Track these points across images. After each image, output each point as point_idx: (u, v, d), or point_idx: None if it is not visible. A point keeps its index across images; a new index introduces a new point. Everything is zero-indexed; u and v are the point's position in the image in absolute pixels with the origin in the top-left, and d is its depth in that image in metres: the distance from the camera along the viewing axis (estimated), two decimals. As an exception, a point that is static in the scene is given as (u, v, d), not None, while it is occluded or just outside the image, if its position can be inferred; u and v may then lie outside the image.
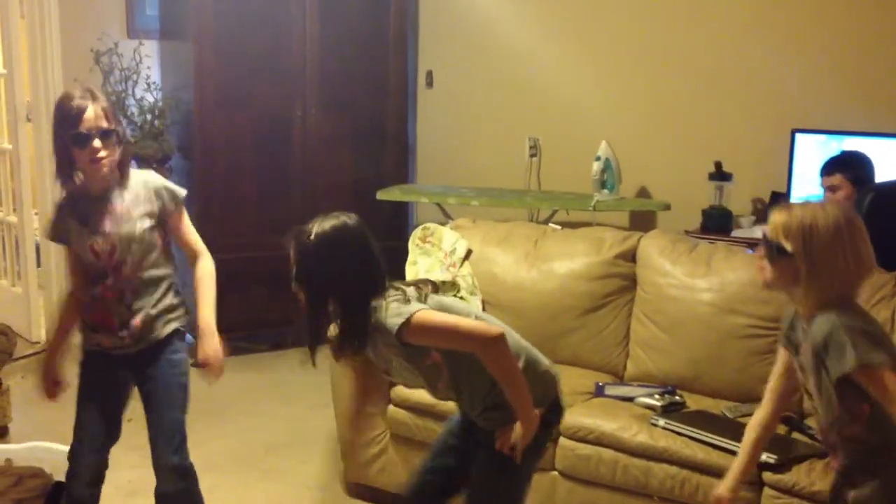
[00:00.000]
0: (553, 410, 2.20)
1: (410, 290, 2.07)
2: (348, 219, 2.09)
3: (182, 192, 2.50)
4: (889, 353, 1.85)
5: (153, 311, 2.43)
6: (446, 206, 4.69)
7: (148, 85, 4.72)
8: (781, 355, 2.11)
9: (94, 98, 2.34)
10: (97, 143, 2.30)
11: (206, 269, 2.48)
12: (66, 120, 2.31)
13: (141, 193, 2.42)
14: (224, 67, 4.52)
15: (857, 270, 1.91)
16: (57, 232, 2.44)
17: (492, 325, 2.10)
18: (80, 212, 2.40)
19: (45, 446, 2.80)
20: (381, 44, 4.96)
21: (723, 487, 2.17)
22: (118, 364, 2.46)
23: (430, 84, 5.24)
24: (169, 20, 4.83)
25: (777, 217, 1.94)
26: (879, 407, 1.86)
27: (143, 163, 4.38)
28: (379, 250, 2.11)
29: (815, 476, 2.47)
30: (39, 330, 4.74)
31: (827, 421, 1.95)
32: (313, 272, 2.05)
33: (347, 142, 4.92)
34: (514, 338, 2.16)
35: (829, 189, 3.38)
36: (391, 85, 5.02)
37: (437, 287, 2.29)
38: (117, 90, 4.62)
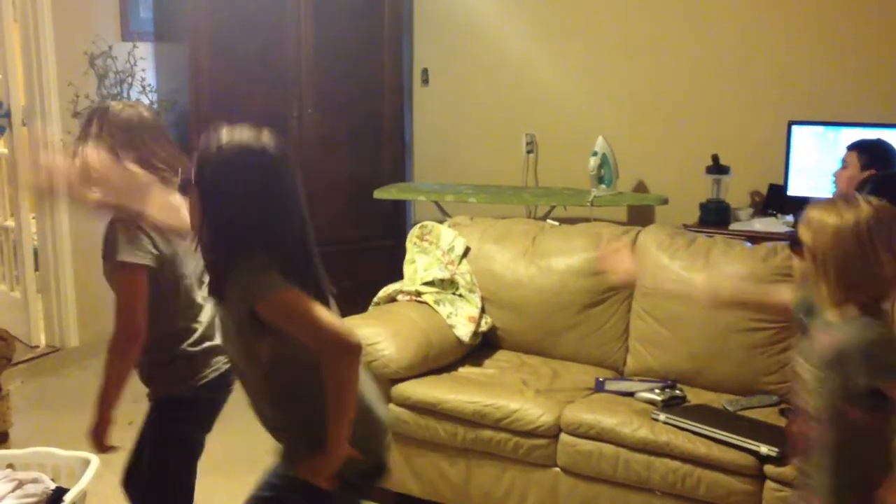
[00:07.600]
0: (368, 474, 1.90)
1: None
2: (269, 143, 1.78)
3: None
4: None
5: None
6: (444, 203, 4.68)
7: (143, 87, 4.70)
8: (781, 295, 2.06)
9: None
10: None
11: None
12: None
13: None
14: (219, 69, 4.51)
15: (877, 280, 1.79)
16: None
17: (354, 332, 1.77)
18: None
19: (47, 451, 2.78)
20: (376, 43, 4.95)
21: None
22: None
23: (425, 82, 5.23)
24: (163, 22, 4.81)
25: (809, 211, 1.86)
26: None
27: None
28: (293, 208, 1.77)
29: (816, 468, 2.47)
30: (39, 334, 4.72)
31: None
32: (210, 186, 1.76)
33: (344, 141, 4.91)
34: (363, 375, 1.84)
35: (844, 163, 3.37)
36: (386, 83, 5.01)
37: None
38: (112, 93, 4.60)
